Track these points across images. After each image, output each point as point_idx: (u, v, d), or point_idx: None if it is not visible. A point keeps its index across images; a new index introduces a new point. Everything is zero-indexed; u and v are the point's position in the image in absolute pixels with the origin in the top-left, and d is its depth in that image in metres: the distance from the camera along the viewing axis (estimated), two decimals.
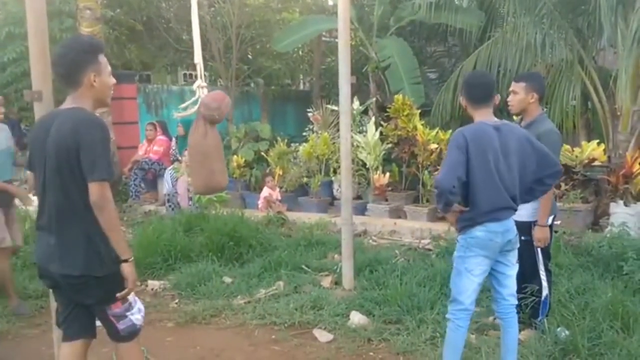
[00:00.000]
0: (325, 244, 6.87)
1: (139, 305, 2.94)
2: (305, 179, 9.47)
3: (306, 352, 4.25)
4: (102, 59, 2.84)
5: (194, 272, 5.77)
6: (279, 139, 10.39)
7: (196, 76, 5.03)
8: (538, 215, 4.04)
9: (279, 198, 9.00)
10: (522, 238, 3.98)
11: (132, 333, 2.91)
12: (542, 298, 4.14)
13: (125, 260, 2.75)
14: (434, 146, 8.20)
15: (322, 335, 4.49)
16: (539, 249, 4.12)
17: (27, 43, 3.40)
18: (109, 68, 2.89)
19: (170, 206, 8.84)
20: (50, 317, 3.72)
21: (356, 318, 4.64)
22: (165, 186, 9.10)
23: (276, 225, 7.91)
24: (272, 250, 6.56)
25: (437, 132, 8.34)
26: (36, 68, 3.27)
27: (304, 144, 9.77)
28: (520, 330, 4.13)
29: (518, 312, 4.10)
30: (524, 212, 3.99)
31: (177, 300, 5.39)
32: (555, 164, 3.48)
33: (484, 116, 3.46)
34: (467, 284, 3.44)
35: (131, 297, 2.87)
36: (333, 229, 7.72)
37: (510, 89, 4.20)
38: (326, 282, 5.68)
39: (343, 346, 4.28)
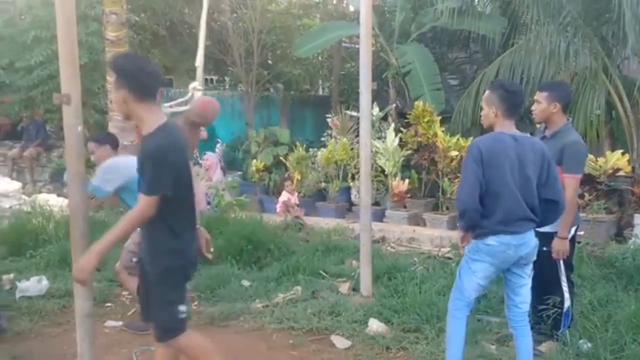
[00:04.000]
0: (343, 249, 6.86)
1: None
2: (323, 184, 9.47)
3: (324, 358, 4.25)
4: (117, 74, 2.95)
5: (213, 274, 5.80)
6: (297, 144, 10.41)
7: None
8: (559, 227, 3.97)
9: (297, 203, 9.01)
10: (544, 249, 3.96)
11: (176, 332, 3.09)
12: (564, 310, 4.09)
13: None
14: (454, 153, 8.16)
15: (340, 342, 4.48)
16: (561, 261, 4.08)
17: (53, 46, 3.47)
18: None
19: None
20: (72, 316, 3.77)
21: (374, 325, 4.63)
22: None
23: (294, 229, 7.91)
24: (290, 254, 6.56)
25: (458, 139, 8.30)
26: (65, 71, 3.31)
27: (323, 149, 9.78)
28: (541, 342, 4.11)
29: (539, 324, 4.08)
30: None
31: (196, 303, 5.41)
32: (559, 197, 3.45)
33: (507, 127, 3.42)
34: (469, 283, 3.49)
35: None
36: (351, 235, 7.70)
37: (535, 97, 4.17)
38: (344, 288, 5.67)
39: (361, 353, 4.26)
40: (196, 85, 4.81)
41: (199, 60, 4.95)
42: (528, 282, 3.53)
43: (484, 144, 3.33)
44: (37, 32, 10.22)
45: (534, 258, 3.52)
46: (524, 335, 3.56)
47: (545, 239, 3.96)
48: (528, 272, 3.53)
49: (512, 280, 3.52)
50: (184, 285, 3.06)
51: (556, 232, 4.01)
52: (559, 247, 4.01)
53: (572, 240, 4.11)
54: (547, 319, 4.06)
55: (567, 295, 4.10)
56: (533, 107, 4.17)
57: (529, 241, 3.43)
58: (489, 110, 3.47)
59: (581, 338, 4.10)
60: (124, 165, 4.21)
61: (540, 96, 4.12)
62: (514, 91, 3.47)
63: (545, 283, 4.12)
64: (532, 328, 4.22)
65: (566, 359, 3.87)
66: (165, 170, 2.76)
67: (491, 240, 3.36)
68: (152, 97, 2.84)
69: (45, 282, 5.49)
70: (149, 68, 2.85)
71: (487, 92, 3.57)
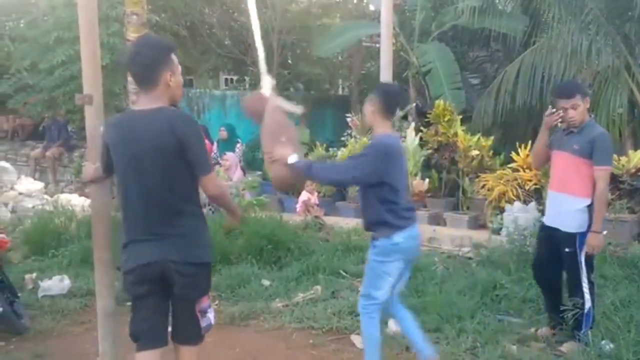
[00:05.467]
0: (362, 249, 6.81)
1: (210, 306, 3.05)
2: None
3: (344, 358, 4.25)
4: (175, 58, 2.87)
5: (234, 274, 5.82)
6: (317, 143, 10.41)
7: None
8: (593, 221, 3.94)
9: (317, 202, 9.01)
10: (567, 250, 3.92)
11: (207, 332, 3.02)
12: (585, 311, 4.05)
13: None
14: (475, 152, 8.10)
15: (360, 342, 4.44)
16: (582, 261, 4.02)
17: (75, 47, 3.51)
18: (180, 67, 2.92)
19: (210, 209, 8.94)
20: (94, 315, 3.81)
21: (394, 325, 4.60)
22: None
23: (314, 229, 7.91)
24: (310, 254, 6.56)
25: (479, 139, 8.24)
26: (87, 72, 3.35)
27: (343, 148, 9.76)
28: (562, 343, 4.08)
29: (561, 324, 4.06)
30: (572, 223, 3.95)
31: (217, 302, 5.43)
32: None
33: (386, 127, 3.62)
34: (384, 285, 3.57)
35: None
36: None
37: (565, 105, 4.01)
38: None
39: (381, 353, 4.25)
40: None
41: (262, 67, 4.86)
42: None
43: (387, 143, 3.53)
44: (59, 33, 10.33)
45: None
46: (407, 317, 3.78)
47: (569, 240, 3.94)
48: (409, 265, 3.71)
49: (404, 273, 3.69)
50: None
51: (580, 233, 3.98)
52: (595, 242, 3.96)
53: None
54: (568, 320, 4.03)
55: (587, 296, 4.04)
56: (570, 115, 4.01)
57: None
58: (370, 110, 3.64)
59: (603, 339, 4.04)
60: None
61: (574, 101, 3.99)
62: (393, 92, 3.72)
63: (566, 284, 4.10)
64: (553, 328, 4.20)
65: (588, 359, 3.82)
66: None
67: (397, 237, 3.48)
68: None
69: (67, 281, 5.56)
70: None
71: (371, 93, 3.78)
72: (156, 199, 2.76)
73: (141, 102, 2.83)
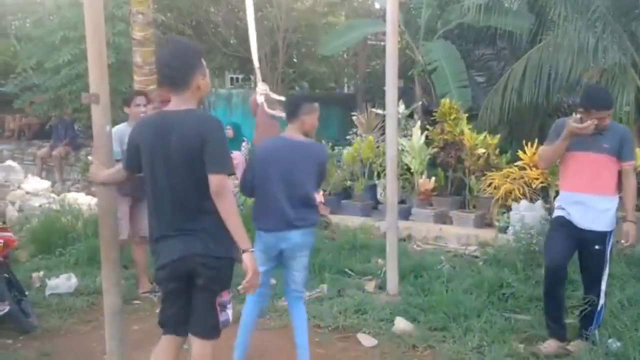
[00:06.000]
0: (369, 248, 6.84)
1: (229, 303, 3.10)
2: (348, 182, 9.45)
3: (350, 357, 4.26)
4: (203, 61, 2.99)
5: (240, 272, 5.79)
6: (323, 142, 10.39)
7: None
8: (627, 212, 4.12)
9: (323, 201, 8.99)
10: (597, 247, 3.95)
11: (224, 327, 3.08)
12: (598, 308, 4.04)
13: (245, 251, 2.90)
14: (481, 151, 8.08)
15: (367, 340, 4.47)
16: (608, 258, 4.05)
17: (81, 46, 3.53)
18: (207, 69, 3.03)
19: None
20: (101, 313, 3.82)
21: (401, 324, 4.61)
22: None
23: (320, 228, 7.90)
24: (315, 252, 6.52)
25: (485, 137, 8.21)
26: (94, 71, 3.35)
27: (348, 147, 9.75)
28: (570, 341, 4.07)
29: (564, 334, 4.11)
30: (606, 222, 4.01)
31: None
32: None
33: (288, 131, 3.81)
34: None
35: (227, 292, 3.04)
36: (376, 233, 7.68)
37: (603, 115, 3.99)
38: (370, 286, 5.66)
39: (387, 352, 4.26)
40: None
41: (256, 61, 5.23)
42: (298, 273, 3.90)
43: (261, 145, 3.78)
44: (65, 32, 10.36)
45: (301, 254, 3.83)
46: (297, 309, 3.93)
47: (600, 238, 4.00)
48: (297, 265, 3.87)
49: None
50: None
51: (610, 231, 4.05)
52: (631, 229, 4.06)
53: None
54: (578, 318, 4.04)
55: (603, 293, 4.06)
56: (607, 123, 4.04)
57: (290, 238, 3.72)
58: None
59: (610, 337, 4.04)
60: None
61: (608, 112, 4.07)
62: (290, 100, 4.02)
63: (587, 280, 4.13)
64: (560, 339, 4.14)
65: (595, 358, 3.81)
66: None
67: (259, 233, 3.75)
68: None
69: (74, 280, 5.58)
70: None
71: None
72: (182, 197, 2.89)
73: (173, 104, 2.95)
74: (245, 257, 2.89)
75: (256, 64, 5.24)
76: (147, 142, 2.92)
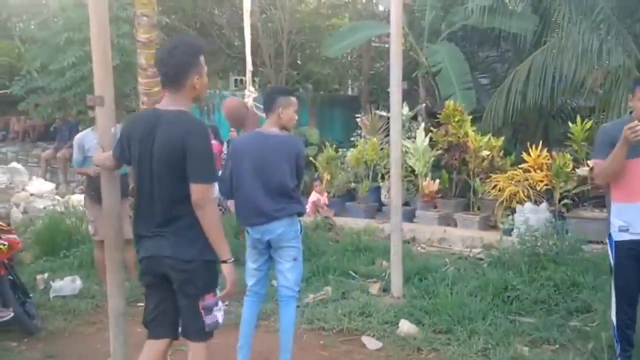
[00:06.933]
0: (373, 250, 6.83)
1: (220, 304, 3.04)
2: (352, 184, 9.45)
3: (354, 359, 4.24)
4: (202, 60, 2.93)
5: (244, 274, 5.80)
6: (327, 144, 10.39)
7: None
8: None
9: (327, 203, 9.00)
10: None
11: (213, 330, 3.02)
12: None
13: (225, 261, 2.86)
14: (485, 153, 8.07)
15: (371, 343, 4.46)
16: None
17: (85, 48, 3.53)
18: (205, 68, 2.97)
19: (221, 209, 8.93)
20: (105, 315, 3.82)
21: (405, 326, 4.60)
22: (216, 190, 9.19)
23: (324, 230, 7.90)
24: (320, 255, 6.55)
25: (489, 139, 8.21)
26: (98, 73, 3.35)
27: (352, 149, 9.75)
28: None
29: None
30: None
31: (226, 302, 5.42)
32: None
33: (266, 125, 3.88)
34: (247, 270, 4.05)
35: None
36: (381, 235, 7.67)
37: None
38: (374, 288, 5.65)
39: (392, 354, 4.24)
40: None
41: (249, 65, 5.47)
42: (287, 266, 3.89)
43: (236, 141, 3.89)
44: (69, 34, 10.36)
45: (287, 244, 3.84)
46: (286, 311, 3.92)
47: None
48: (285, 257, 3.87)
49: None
50: None
51: None
52: None
53: None
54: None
55: None
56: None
57: (273, 229, 3.74)
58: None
59: None
60: None
61: None
62: (267, 93, 4.05)
63: None
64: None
65: None
66: None
67: (246, 230, 3.86)
68: None
69: (78, 282, 5.59)
70: None
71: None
72: (159, 197, 2.87)
73: (165, 102, 2.92)
74: (224, 267, 2.87)
75: (249, 67, 5.43)
76: (136, 137, 2.91)
